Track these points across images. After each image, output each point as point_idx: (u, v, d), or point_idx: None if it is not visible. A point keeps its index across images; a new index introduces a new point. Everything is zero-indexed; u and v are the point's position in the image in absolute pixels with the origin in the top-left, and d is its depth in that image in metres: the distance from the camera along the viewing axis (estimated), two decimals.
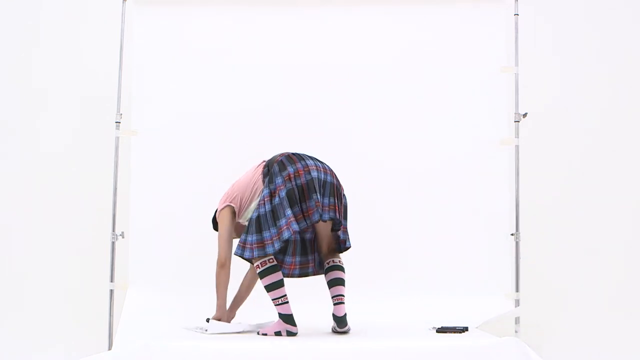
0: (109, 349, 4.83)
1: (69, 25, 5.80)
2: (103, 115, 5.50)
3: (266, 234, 4.18)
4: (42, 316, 5.60)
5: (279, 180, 4.20)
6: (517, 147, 5.12)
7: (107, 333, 4.98)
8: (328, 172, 4.28)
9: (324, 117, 5.25)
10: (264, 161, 4.41)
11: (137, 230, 5.12)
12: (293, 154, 4.32)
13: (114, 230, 5.02)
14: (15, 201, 5.69)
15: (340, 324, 4.22)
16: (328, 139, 5.15)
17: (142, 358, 3.73)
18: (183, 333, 4.26)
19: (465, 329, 4.37)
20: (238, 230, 4.52)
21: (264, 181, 4.32)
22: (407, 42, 5.29)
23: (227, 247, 4.40)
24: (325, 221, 4.23)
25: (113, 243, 5.02)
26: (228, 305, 4.49)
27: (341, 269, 4.34)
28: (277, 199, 4.18)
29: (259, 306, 4.53)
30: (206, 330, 4.27)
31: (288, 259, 4.38)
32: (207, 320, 4.46)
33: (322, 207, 4.18)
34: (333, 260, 4.35)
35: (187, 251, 5.13)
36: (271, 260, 4.20)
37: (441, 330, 4.36)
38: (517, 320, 5.01)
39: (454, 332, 4.31)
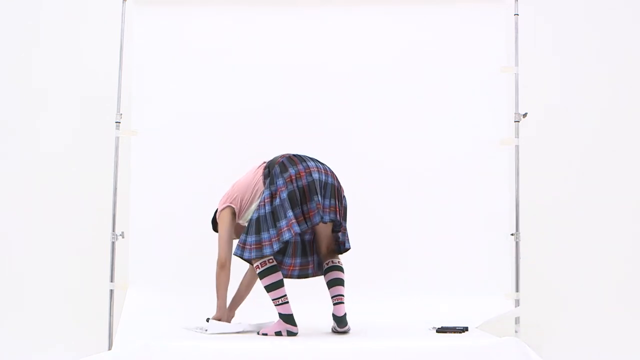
0: (109, 349, 4.83)
1: (69, 25, 5.80)
2: (103, 115, 5.50)
3: (264, 235, 4.18)
4: (42, 316, 5.60)
5: (280, 181, 4.20)
6: (517, 147, 5.11)
7: (107, 333, 4.98)
8: (329, 173, 4.28)
9: (324, 117, 5.25)
10: (265, 162, 4.41)
11: (137, 230, 5.12)
12: (294, 155, 4.32)
13: (114, 230, 5.02)
14: (15, 201, 5.69)
15: (340, 323, 4.22)
16: (328, 139, 5.16)
17: (142, 358, 3.73)
18: (183, 333, 4.26)
19: (465, 329, 4.37)
20: (238, 231, 4.52)
21: (264, 182, 4.32)
22: (407, 42, 5.28)
23: (227, 248, 4.40)
24: (325, 223, 4.23)
25: (113, 243, 5.01)
26: (227, 306, 4.50)
27: (340, 269, 4.34)
28: (277, 200, 4.18)
29: (259, 306, 4.53)
30: (206, 330, 4.27)
31: (287, 260, 4.38)
32: (207, 320, 4.46)
33: (323, 208, 4.18)
34: (332, 261, 4.35)
35: (187, 251, 5.13)
36: (271, 261, 4.20)
37: (441, 330, 4.36)
38: (517, 320, 5.01)
39: (454, 332, 4.31)
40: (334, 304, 4.23)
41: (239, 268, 4.52)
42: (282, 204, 4.16)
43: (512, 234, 5.08)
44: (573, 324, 5.64)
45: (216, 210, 4.51)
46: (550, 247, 5.68)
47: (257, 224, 4.20)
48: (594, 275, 5.69)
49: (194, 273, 5.04)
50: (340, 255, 4.39)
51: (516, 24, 5.17)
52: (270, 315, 4.38)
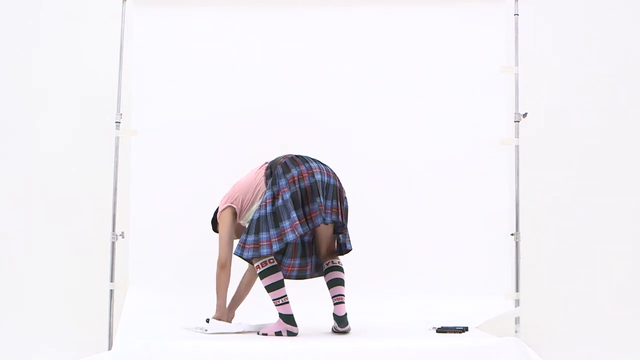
0: (109, 349, 4.83)
1: (69, 25, 5.80)
2: (103, 115, 5.51)
3: (263, 236, 4.17)
4: (42, 316, 5.60)
5: (282, 182, 4.20)
6: (517, 147, 5.11)
7: (107, 333, 4.98)
8: (331, 174, 4.28)
9: (324, 117, 5.25)
10: (267, 162, 4.40)
11: (137, 230, 5.12)
12: (297, 155, 4.32)
13: (114, 230, 5.02)
14: (16, 201, 5.69)
15: (341, 323, 4.22)
16: (328, 139, 5.16)
17: (142, 358, 3.73)
18: (183, 333, 4.26)
19: (465, 329, 4.37)
20: (239, 231, 4.52)
21: (266, 183, 4.31)
22: (407, 42, 5.29)
23: (228, 248, 4.40)
24: (327, 224, 4.23)
25: (113, 243, 5.01)
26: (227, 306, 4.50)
27: (340, 269, 4.34)
28: (280, 201, 4.18)
29: (259, 306, 4.53)
30: (206, 330, 4.27)
31: (286, 260, 4.38)
32: (207, 320, 4.46)
33: (325, 210, 4.18)
34: (332, 262, 4.35)
35: (187, 251, 5.13)
36: (271, 261, 4.20)
37: (441, 330, 4.36)
38: (517, 320, 5.01)
39: (454, 332, 4.31)
40: (335, 304, 4.24)
41: (239, 268, 4.52)
42: (285, 205, 4.15)
43: (512, 234, 5.08)
44: (573, 324, 5.64)
45: (216, 211, 4.51)
46: (550, 247, 5.68)
47: (257, 224, 4.20)
48: (594, 275, 5.69)
49: (194, 273, 5.04)
50: (340, 256, 4.39)
51: (516, 24, 5.17)
52: (270, 315, 4.38)
